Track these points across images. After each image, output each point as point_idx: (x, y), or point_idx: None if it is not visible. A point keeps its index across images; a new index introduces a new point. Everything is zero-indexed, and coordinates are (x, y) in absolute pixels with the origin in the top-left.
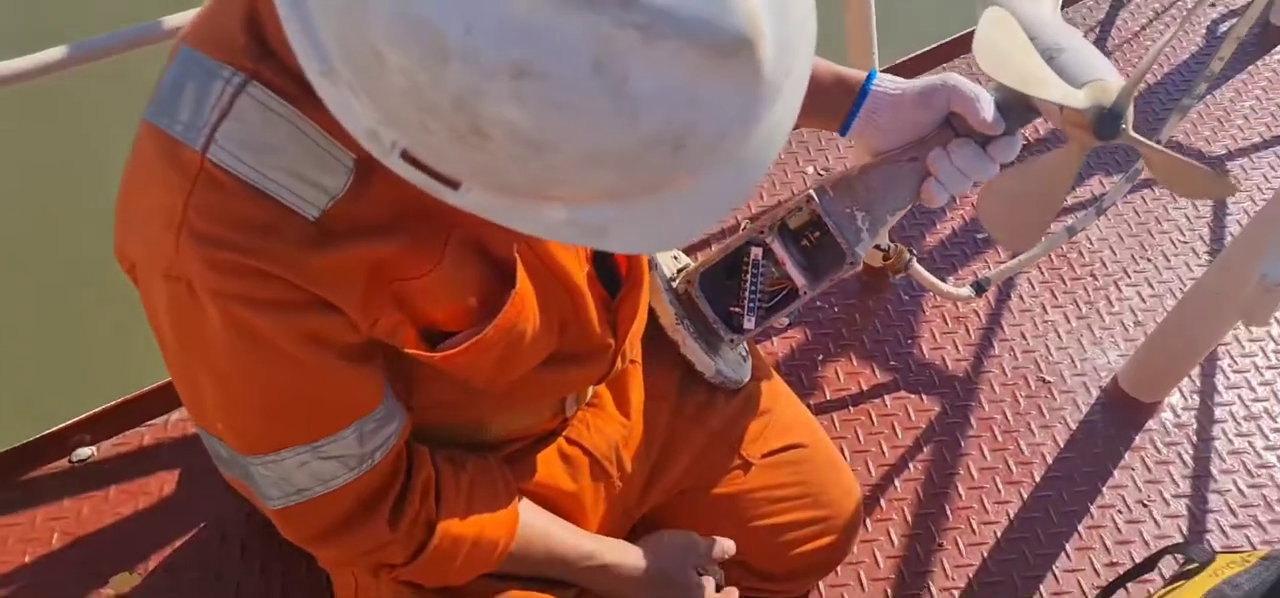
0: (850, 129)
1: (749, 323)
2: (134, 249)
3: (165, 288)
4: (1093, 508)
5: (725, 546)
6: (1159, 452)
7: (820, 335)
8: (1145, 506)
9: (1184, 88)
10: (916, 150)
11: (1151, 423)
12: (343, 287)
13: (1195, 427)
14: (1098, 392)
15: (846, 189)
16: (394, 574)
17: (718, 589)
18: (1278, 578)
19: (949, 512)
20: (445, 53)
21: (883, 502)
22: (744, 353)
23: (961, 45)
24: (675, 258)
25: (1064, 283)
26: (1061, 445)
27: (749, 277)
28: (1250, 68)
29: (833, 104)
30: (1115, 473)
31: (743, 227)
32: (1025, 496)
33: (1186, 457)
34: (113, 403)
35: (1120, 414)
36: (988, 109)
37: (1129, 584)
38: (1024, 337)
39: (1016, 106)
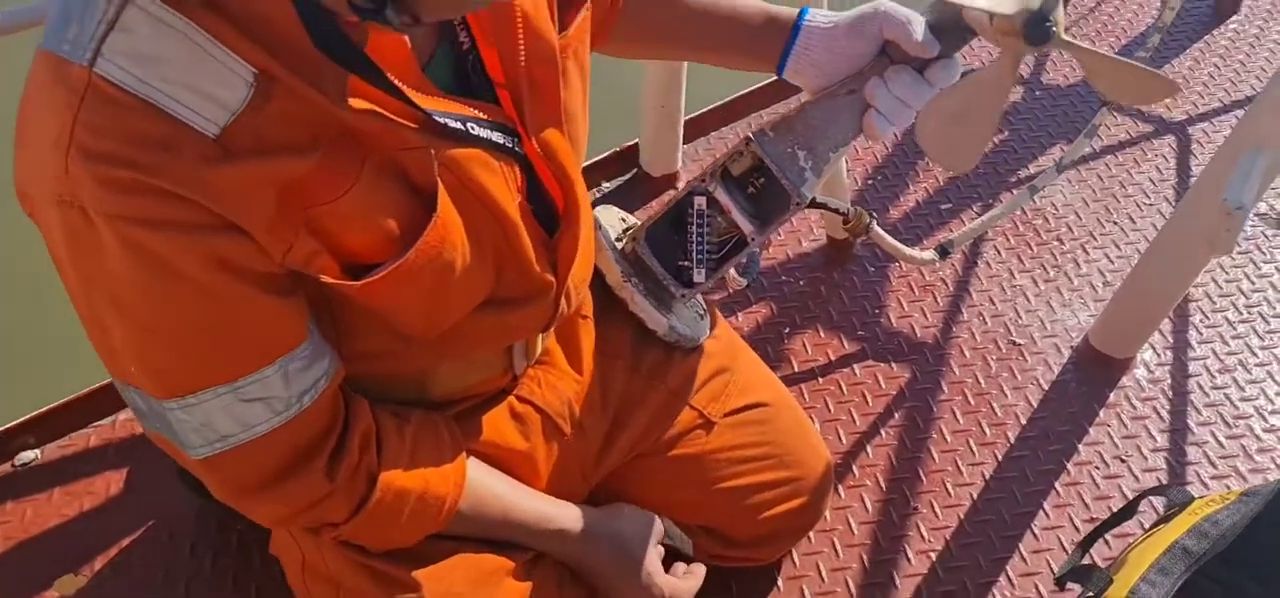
0: (785, 68)
1: (699, 276)
2: (27, 182)
3: (58, 216)
4: (1069, 465)
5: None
6: (1134, 407)
7: (785, 309)
8: (1123, 460)
9: (1138, 43)
10: (855, 83)
11: (1125, 379)
12: (249, 207)
13: (1170, 382)
14: (1069, 352)
15: (786, 128)
16: (336, 533)
17: (687, 562)
18: (1259, 512)
19: (923, 476)
20: None
21: (855, 469)
22: (701, 310)
23: None
24: (622, 219)
25: (1031, 248)
26: (1035, 406)
27: (695, 228)
28: (1207, 37)
29: (765, 43)
30: (1090, 430)
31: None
32: (1000, 456)
33: (1162, 411)
34: (57, 404)
35: (1093, 372)
36: (918, 30)
37: (1109, 533)
38: (992, 302)
39: (950, 27)
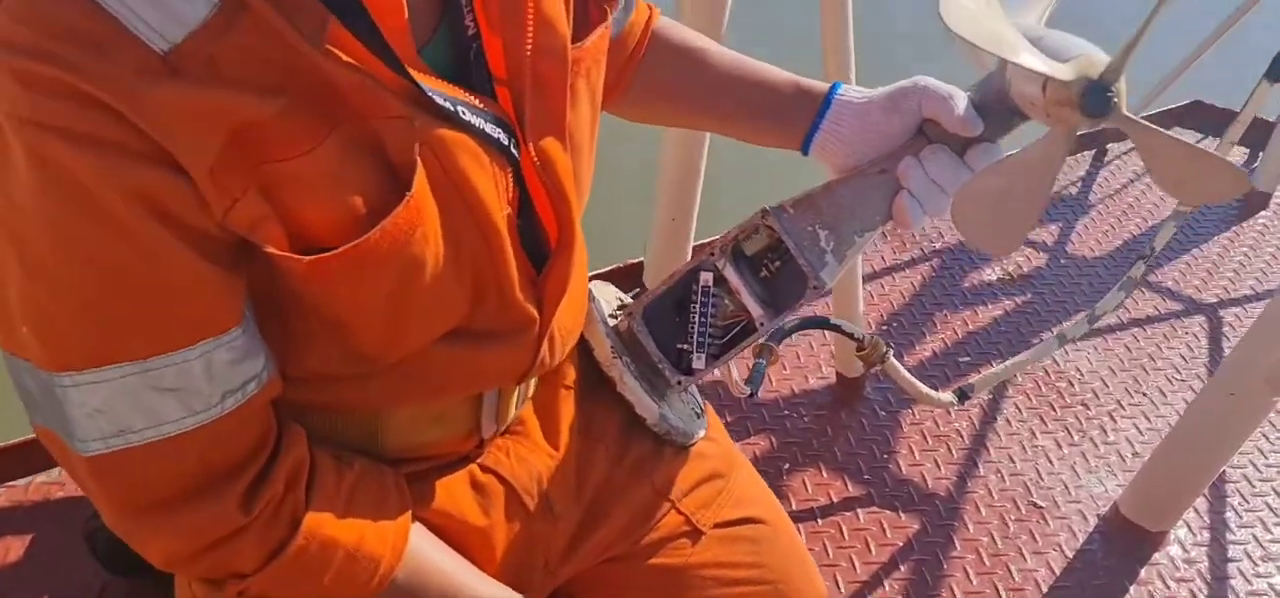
0: (812, 144)
1: (699, 362)
2: None
3: None
4: None
5: None
6: (1168, 587)
7: (787, 443)
8: None
9: (1153, 232)
10: (887, 163)
11: (1158, 556)
12: (190, 140)
13: (1207, 563)
14: (1096, 520)
15: (808, 205)
16: (244, 587)
17: None
18: None
19: None
20: None
21: None
22: (698, 408)
23: None
24: (619, 298)
25: (1054, 411)
26: (1057, 573)
27: (698, 308)
28: (1235, 228)
29: (793, 115)
30: None
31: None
32: None
33: (1200, 594)
34: None
35: (1122, 544)
36: (961, 105)
37: None
38: (1011, 459)
39: (995, 107)
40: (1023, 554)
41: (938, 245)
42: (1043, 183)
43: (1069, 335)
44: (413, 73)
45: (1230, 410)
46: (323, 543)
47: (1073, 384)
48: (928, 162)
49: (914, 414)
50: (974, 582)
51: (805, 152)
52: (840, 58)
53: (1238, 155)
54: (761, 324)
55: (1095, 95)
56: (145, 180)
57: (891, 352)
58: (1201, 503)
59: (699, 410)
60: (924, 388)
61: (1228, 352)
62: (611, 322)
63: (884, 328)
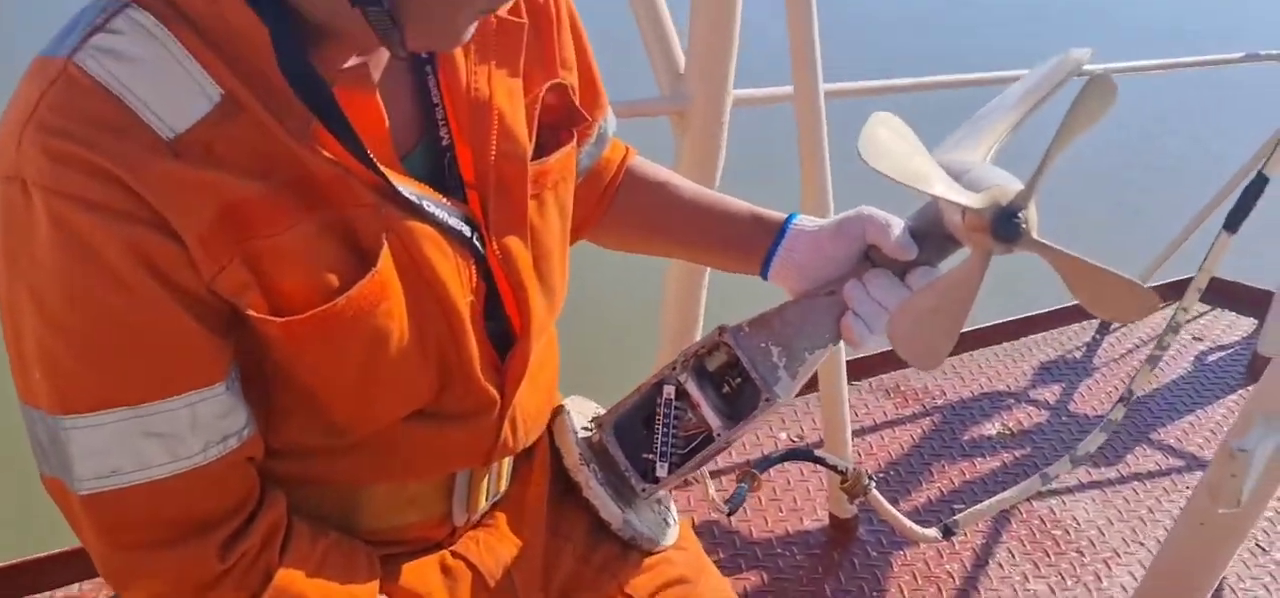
0: (770, 269)
1: (662, 471)
2: None
3: (3, 192)
4: None
5: None
6: None
7: (778, 580)
8: None
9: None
10: (835, 285)
11: None
12: (186, 208)
13: None
14: None
15: (762, 325)
16: None
17: None
18: None
19: None
20: None
21: None
22: (669, 518)
23: None
24: (598, 411)
25: (1048, 556)
26: None
27: (662, 420)
28: (1240, 391)
29: (752, 242)
30: None
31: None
32: None
33: None
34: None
35: None
36: (897, 231)
37: None
38: None
39: (931, 233)
40: None
41: (938, 402)
42: (963, 303)
43: (1052, 474)
44: (384, 169)
45: (1203, 541)
46: None
47: (1068, 532)
48: (870, 284)
49: (906, 556)
50: None
51: (764, 276)
52: (818, 199)
53: (1247, 324)
54: (719, 435)
55: (1005, 221)
56: (143, 239)
57: (873, 483)
58: None
59: (670, 520)
60: (908, 522)
61: None
62: (584, 433)
63: (880, 475)
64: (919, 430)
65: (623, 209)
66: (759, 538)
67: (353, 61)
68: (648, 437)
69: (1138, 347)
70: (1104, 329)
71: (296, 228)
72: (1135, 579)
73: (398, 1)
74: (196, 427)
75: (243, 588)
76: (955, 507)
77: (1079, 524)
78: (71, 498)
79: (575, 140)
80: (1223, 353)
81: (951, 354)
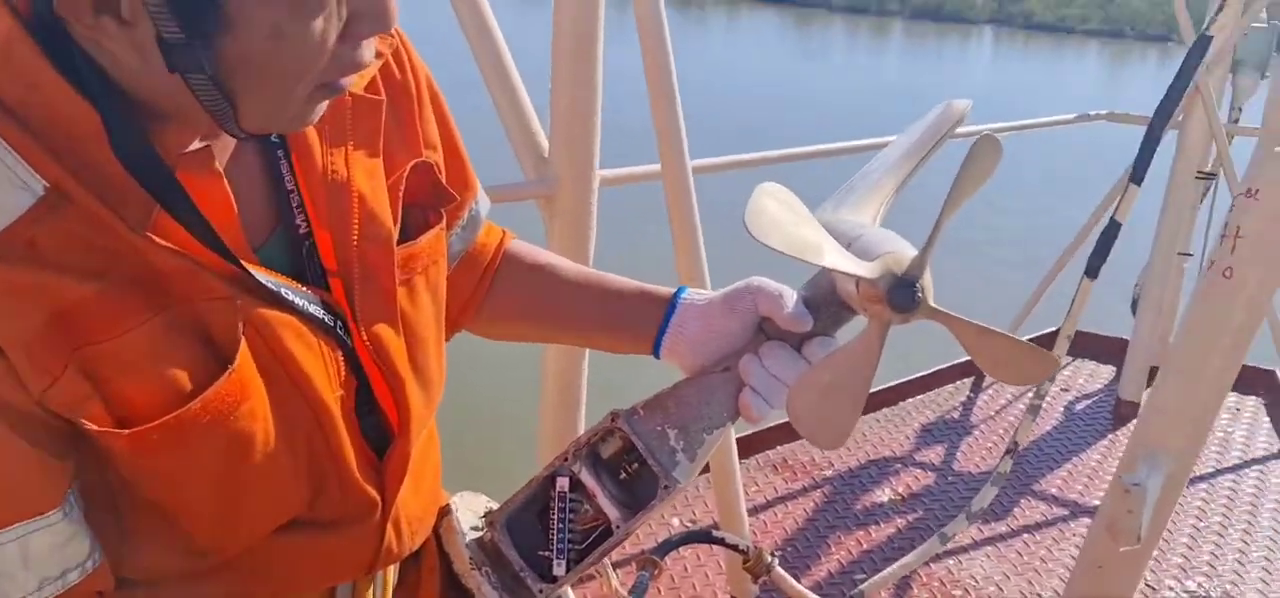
0: (661, 347)
1: (559, 568)
2: None
3: None
4: None
5: None
6: None
7: None
8: None
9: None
10: (730, 361)
11: None
12: (8, 314)
13: None
14: None
15: (657, 407)
16: None
17: None
18: None
19: None
20: None
21: None
22: None
23: None
24: (487, 506)
25: None
26: None
27: (557, 514)
28: (1111, 435)
29: (641, 320)
30: None
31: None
32: None
33: None
34: None
35: None
36: (790, 303)
37: None
38: None
39: (825, 302)
40: None
41: (827, 473)
42: (863, 377)
43: (949, 533)
44: (238, 257)
45: (1104, 583)
46: None
47: (968, 591)
48: (766, 358)
49: None
50: None
51: (656, 355)
52: (693, 271)
53: (1107, 372)
54: (618, 527)
55: (901, 290)
56: None
57: (777, 561)
58: None
59: None
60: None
61: None
62: (474, 533)
63: (778, 552)
64: (812, 503)
65: (503, 295)
66: None
67: (195, 145)
68: (543, 533)
69: (1012, 401)
70: (978, 386)
71: (140, 328)
72: None
73: (226, 71)
74: (29, 562)
75: None
76: (856, 577)
77: (978, 581)
78: None
79: (444, 222)
80: (1089, 401)
81: None
